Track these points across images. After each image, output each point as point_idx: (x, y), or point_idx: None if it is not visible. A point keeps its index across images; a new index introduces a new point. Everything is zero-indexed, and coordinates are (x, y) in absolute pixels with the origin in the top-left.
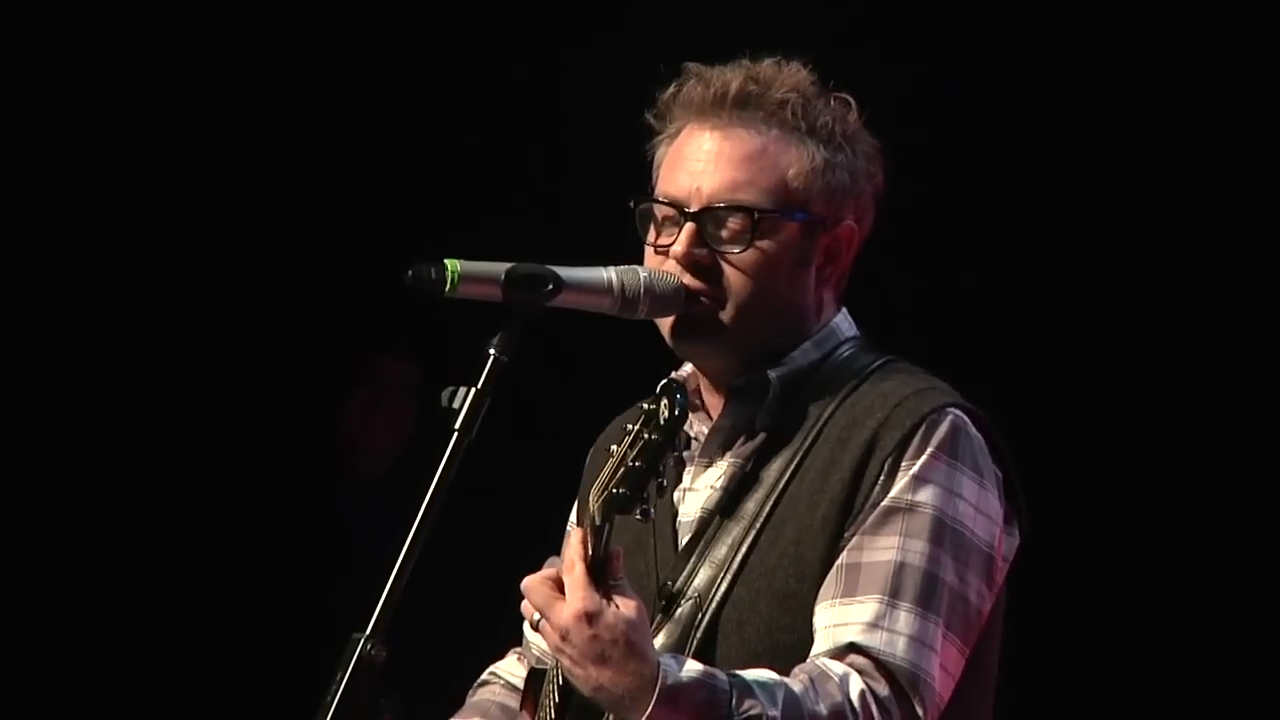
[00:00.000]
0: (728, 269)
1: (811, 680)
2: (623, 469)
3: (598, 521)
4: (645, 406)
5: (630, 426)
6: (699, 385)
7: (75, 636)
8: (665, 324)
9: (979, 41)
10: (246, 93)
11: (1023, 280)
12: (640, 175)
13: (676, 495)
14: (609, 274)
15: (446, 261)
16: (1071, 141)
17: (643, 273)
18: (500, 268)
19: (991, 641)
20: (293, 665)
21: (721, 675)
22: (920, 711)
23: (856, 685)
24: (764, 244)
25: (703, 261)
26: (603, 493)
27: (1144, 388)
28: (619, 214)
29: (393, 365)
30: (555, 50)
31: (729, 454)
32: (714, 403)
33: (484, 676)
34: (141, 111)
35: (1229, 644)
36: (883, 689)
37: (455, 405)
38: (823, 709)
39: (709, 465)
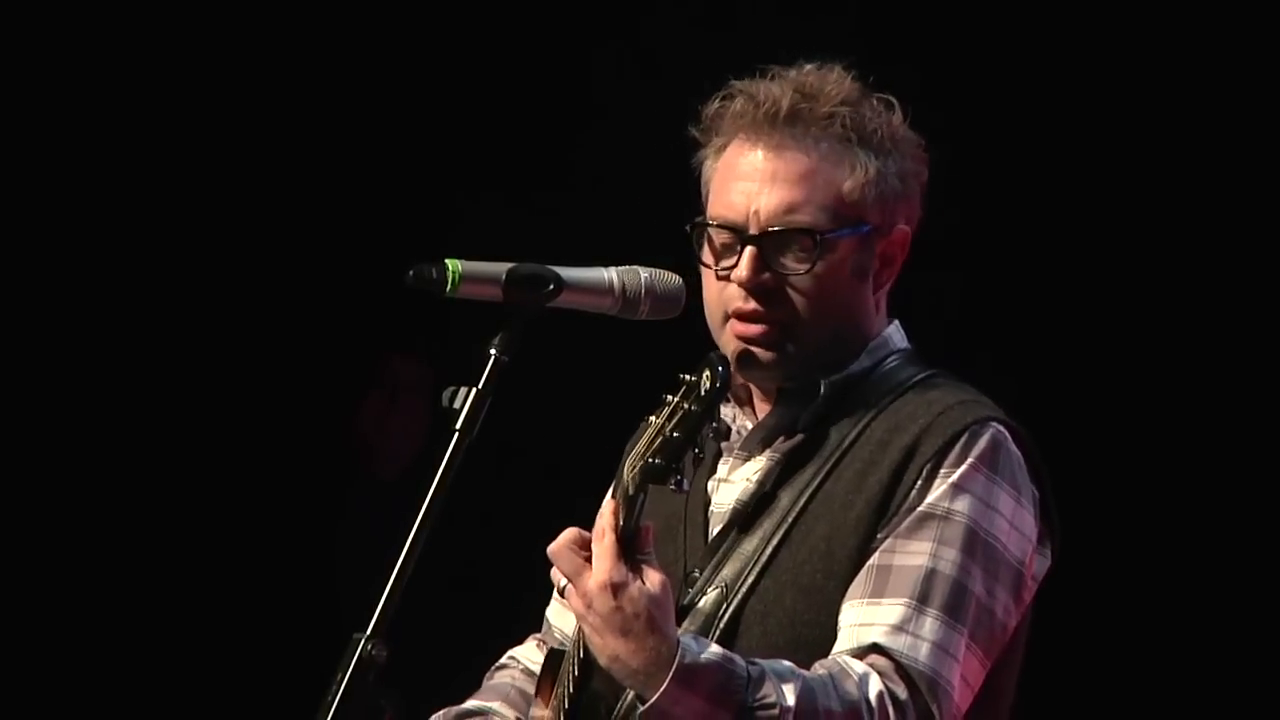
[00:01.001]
0: (792, 291)
1: (831, 676)
2: (660, 439)
3: (631, 491)
4: (686, 378)
5: (669, 397)
6: (741, 380)
7: (81, 634)
8: (729, 348)
9: (982, 42)
10: (255, 92)
11: (1058, 297)
12: (643, 176)
13: (711, 485)
14: (610, 274)
15: (447, 261)
16: (1100, 148)
17: (644, 273)
18: (501, 268)
19: (1012, 662)
20: (306, 667)
21: (740, 660)
22: (937, 717)
23: (875, 685)
24: (826, 262)
25: (767, 285)
26: (639, 462)
27: (1174, 410)
28: (622, 214)
29: (405, 365)
30: (562, 52)
31: (769, 450)
32: (760, 400)
33: (502, 660)
34: (150, 113)
35: (1252, 669)
36: (901, 691)
37: (456, 405)
38: (838, 705)
39: (748, 459)
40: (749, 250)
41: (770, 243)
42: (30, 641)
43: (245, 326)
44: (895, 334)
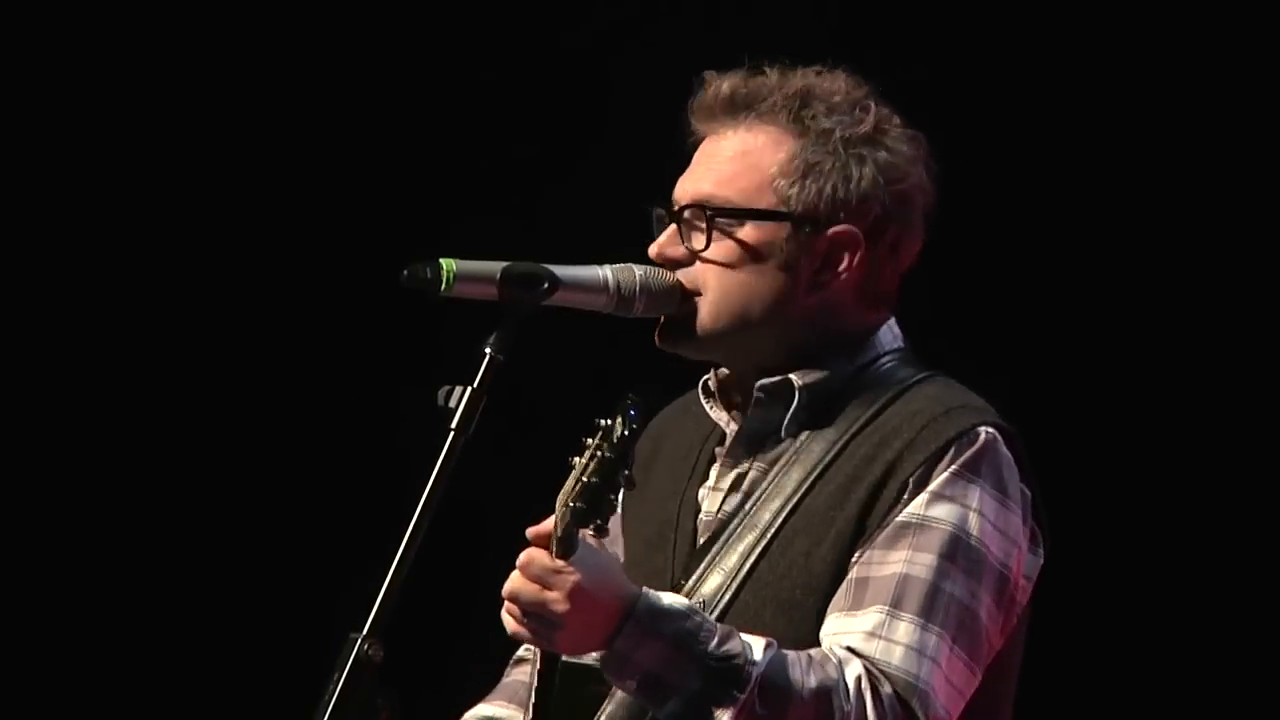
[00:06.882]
0: (700, 267)
1: (810, 655)
2: (581, 484)
3: (559, 534)
4: (602, 422)
5: (589, 440)
6: (733, 382)
7: (71, 633)
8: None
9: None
10: (254, 92)
11: (1049, 293)
12: (641, 175)
13: (701, 492)
14: (605, 272)
15: (442, 261)
16: (1100, 145)
17: (638, 271)
18: (496, 266)
19: (1009, 663)
20: (291, 665)
21: (708, 616)
22: (920, 716)
23: (855, 670)
24: (731, 242)
25: (681, 261)
26: (565, 505)
27: (1167, 404)
28: (619, 213)
29: None
30: (560, 50)
31: (754, 458)
32: (747, 402)
33: (520, 652)
34: (149, 114)
35: (1252, 663)
36: (885, 686)
37: (451, 404)
38: (813, 680)
39: (734, 466)
40: (669, 226)
41: (685, 219)
42: (26, 642)
43: (240, 324)
44: (887, 334)
